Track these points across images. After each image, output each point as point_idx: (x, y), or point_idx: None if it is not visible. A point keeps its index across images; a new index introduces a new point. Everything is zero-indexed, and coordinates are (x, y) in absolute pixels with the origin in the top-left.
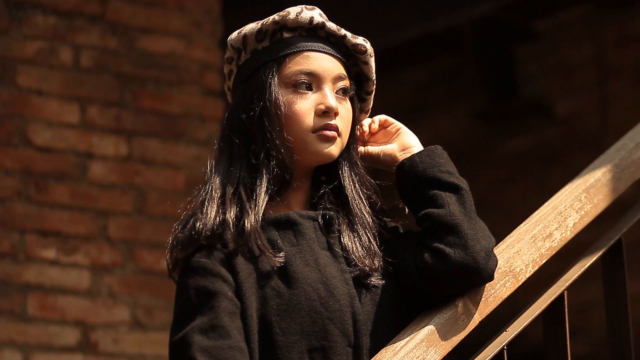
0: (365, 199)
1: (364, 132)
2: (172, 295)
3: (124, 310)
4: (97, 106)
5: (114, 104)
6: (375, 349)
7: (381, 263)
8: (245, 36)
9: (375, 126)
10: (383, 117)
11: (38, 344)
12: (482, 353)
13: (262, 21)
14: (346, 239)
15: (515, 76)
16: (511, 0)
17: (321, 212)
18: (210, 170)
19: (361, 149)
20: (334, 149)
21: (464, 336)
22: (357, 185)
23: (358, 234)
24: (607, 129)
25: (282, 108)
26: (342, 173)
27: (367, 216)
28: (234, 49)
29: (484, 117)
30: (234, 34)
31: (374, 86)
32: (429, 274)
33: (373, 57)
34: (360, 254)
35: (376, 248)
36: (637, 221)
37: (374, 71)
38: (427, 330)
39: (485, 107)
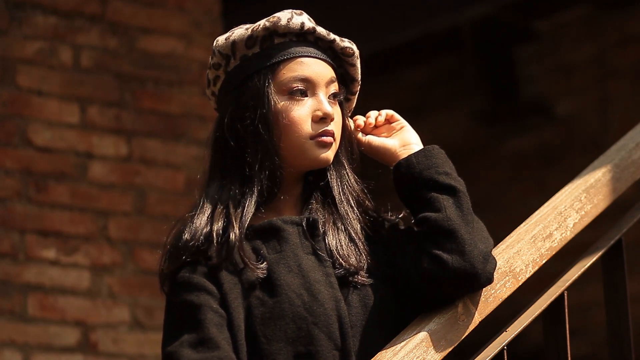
0: (352, 199)
1: (369, 123)
2: None
3: (124, 311)
4: (97, 106)
5: (114, 104)
6: (364, 351)
7: (367, 262)
8: (234, 42)
9: (382, 119)
10: (390, 112)
11: (38, 344)
12: (482, 353)
13: (251, 27)
14: (330, 238)
15: (515, 76)
16: (511, 0)
17: (305, 216)
18: (203, 185)
19: (363, 138)
20: (330, 154)
21: (464, 336)
22: (344, 186)
23: (343, 233)
24: (607, 129)
25: (280, 116)
26: (330, 174)
27: (352, 216)
28: (222, 55)
29: (484, 118)
30: (221, 40)
31: (359, 86)
32: (428, 279)
33: (359, 59)
34: (345, 253)
35: (362, 247)
36: (637, 221)
37: (359, 72)
38: (427, 330)
39: (485, 107)
